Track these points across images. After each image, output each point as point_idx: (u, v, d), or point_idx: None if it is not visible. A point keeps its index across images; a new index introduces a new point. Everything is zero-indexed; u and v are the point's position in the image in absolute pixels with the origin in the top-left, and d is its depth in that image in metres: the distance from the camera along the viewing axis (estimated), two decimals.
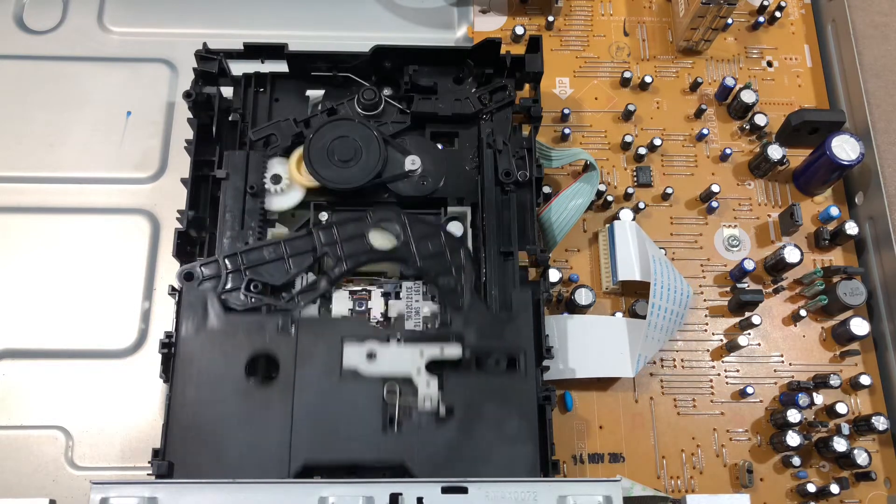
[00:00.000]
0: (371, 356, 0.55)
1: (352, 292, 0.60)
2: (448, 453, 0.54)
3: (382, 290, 0.60)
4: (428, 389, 0.55)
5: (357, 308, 0.59)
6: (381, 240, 0.59)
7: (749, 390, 0.64)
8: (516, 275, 0.60)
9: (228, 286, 0.58)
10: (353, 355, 0.56)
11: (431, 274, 0.59)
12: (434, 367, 0.56)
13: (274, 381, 0.55)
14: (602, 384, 0.65)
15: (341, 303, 0.60)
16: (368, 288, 0.61)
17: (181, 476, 0.53)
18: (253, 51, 0.65)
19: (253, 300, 0.57)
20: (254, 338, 0.56)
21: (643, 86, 0.74)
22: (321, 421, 0.54)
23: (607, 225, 0.68)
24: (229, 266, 0.58)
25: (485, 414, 0.55)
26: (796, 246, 0.66)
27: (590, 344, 0.63)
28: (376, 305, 0.60)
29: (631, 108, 0.72)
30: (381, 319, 0.59)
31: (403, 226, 0.59)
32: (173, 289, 0.59)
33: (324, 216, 0.63)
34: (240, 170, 0.62)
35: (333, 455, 0.54)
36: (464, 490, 0.49)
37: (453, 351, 0.56)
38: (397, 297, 0.60)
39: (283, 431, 0.54)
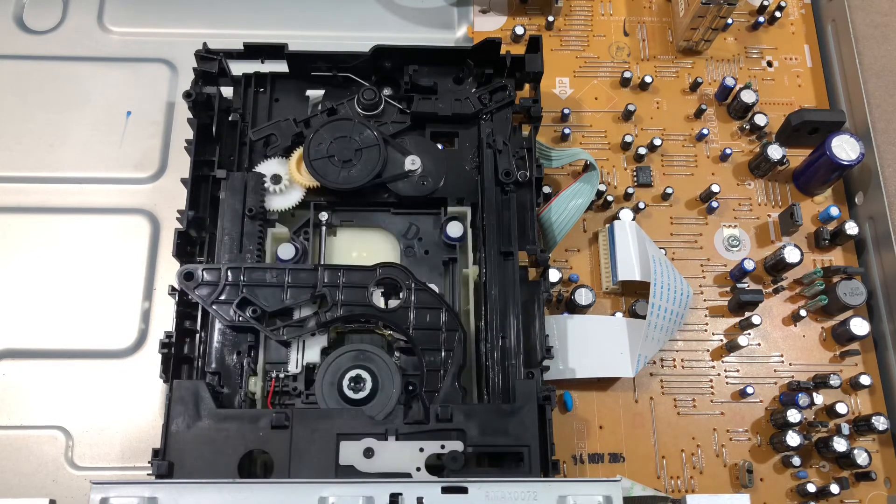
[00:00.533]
0: (368, 453, 0.53)
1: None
2: None
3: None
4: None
5: None
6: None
7: (749, 390, 0.64)
8: (516, 275, 0.60)
9: (223, 297, 0.57)
10: (350, 452, 0.53)
11: (419, 347, 0.57)
12: (434, 467, 0.53)
13: (267, 479, 0.53)
14: (602, 384, 0.65)
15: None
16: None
17: (181, 476, 0.53)
18: (253, 51, 0.65)
19: (240, 319, 0.57)
20: (247, 434, 0.53)
21: (643, 86, 0.74)
22: None
23: (607, 225, 0.68)
24: (230, 278, 0.58)
25: None
26: (796, 246, 0.66)
27: (590, 344, 0.63)
28: (376, 303, 0.59)
29: (631, 108, 0.72)
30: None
31: (409, 288, 0.58)
32: (173, 289, 0.59)
33: (324, 216, 0.63)
34: (238, 192, 0.61)
35: None
36: (464, 490, 0.49)
37: (454, 447, 0.53)
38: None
39: None
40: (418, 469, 0.52)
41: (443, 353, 0.57)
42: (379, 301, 0.58)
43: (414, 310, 0.57)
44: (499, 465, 0.55)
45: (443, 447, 0.53)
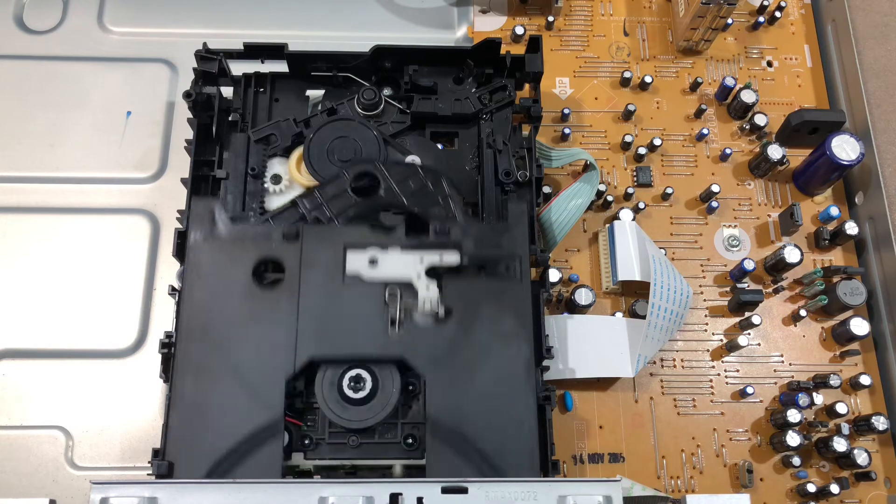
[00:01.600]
0: (373, 262, 0.58)
1: None
2: (447, 350, 0.56)
3: None
4: (427, 293, 0.57)
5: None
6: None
7: (749, 390, 0.64)
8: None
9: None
10: (356, 261, 0.58)
11: (422, 209, 0.60)
12: (433, 272, 0.58)
13: (280, 285, 0.57)
14: (602, 384, 0.65)
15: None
16: None
17: (181, 476, 0.53)
18: (253, 51, 0.65)
19: None
20: (261, 244, 0.58)
21: (643, 86, 0.74)
22: (326, 320, 0.57)
23: (607, 225, 0.68)
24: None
25: (482, 314, 0.57)
26: (796, 246, 0.66)
27: (590, 344, 0.63)
28: None
29: (631, 108, 0.73)
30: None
31: (381, 173, 0.60)
32: (173, 289, 0.59)
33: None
34: (241, 153, 0.62)
35: (337, 351, 0.56)
36: (464, 490, 0.49)
37: (452, 257, 0.58)
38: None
39: (289, 330, 0.56)
40: (419, 276, 0.57)
41: (441, 201, 0.60)
42: (365, 194, 0.60)
43: (396, 183, 0.60)
44: (493, 275, 0.58)
45: (441, 257, 0.58)
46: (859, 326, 0.65)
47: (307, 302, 0.57)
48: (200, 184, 0.63)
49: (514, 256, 0.59)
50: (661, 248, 0.69)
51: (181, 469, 0.53)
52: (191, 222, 0.59)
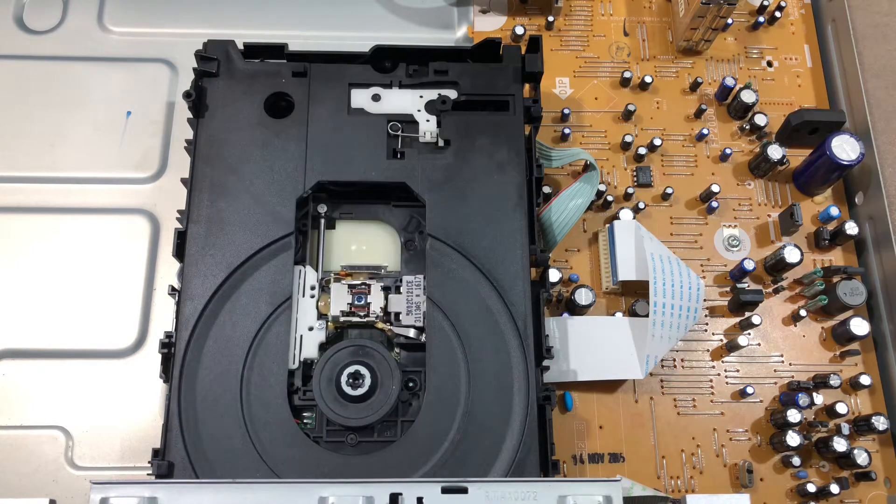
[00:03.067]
0: (376, 98, 0.63)
1: (351, 286, 0.60)
2: (445, 175, 0.61)
3: (382, 283, 0.61)
4: (427, 125, 0.62)
5: (356, 302, 0.60)
6: None
7: (749, 390, 0.64)
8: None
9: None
10: (360, 97, 0.63)
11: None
12: (433, 108, 0.63)
13: (290, 116, 0.62)
14: (602, 384, 0.65)
15: (340, 296, 0.60)
16: (368, 282, 0.61)
17: (181, 476, 0.53)
18: (253, 51, 0.65)
19: None
20: (271, 80, 0.63)
21: (643, 86, 0.74)
22: (333, 149, 0.62)
23: (607, 225, 0.68)
24: None
25: (477, 145, 0.62)
26: (796, 246, 0.66)
27: (597, 346, 0.63)
28: (376, 300, 0.60)
29: (631, 108, 0.73)
30: (381, 314, 0.60)
31: None
32: (173, 289, 0.59)
33: (322, 209, 0.63)
34: None
35: (343, 176, 0.61)
36: (464, 490, 0.49)
37: (449, 93, 0.63)
38: (397, 291, 0.60)
39: (299, 155, 0.61)
40: (419, 110, 0.63)
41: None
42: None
43: None
44: (485, 109, 0.64)
45: (439, 94, 0.63)
46: (859, 326, 0.65)
47: (315, 132, 0.62)
48: None
49: (508, 93, 0.63)
50: None
51: (181, 469, 0.53)
52: (205, 64, 0.63)
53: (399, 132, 0.62)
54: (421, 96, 0.63)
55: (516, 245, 0.59)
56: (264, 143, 0.61)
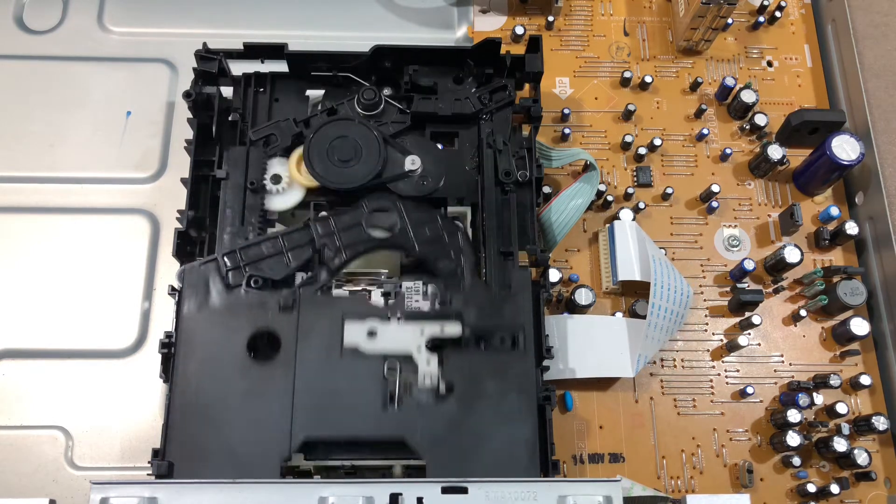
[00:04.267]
0: (372, 334, 0.56)
1: (351, 292, 0.60)
2: (448, 429, 0.55)
3: (382, 289, 0.60)
4: (428, 367, 0.56)
5: None
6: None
7: (749, 390, 0.64)
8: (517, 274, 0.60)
9: (231, 282, 0.58)
10: (354, 333, 0.56)
11: (431, 259, 0.59)
12: (434, 345, 0.56)
13: (275, 358, 0.56)
14: (602, 384, 0.65)
15: None
16: (368, 287, 0.60)
17: (181, 476, 0.53)
18: (253, 51, 0.65)
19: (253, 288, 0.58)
20: (256, 315, 0.57)
21: (643, 86, 0.74)
22: (322, 397, 0.55)
23: (607, 225, 0.68)
24: (229, 263, 0.58)
25: (484, 391, 0.55)
26: (796, 246, 0.66)
27: (590, 344, 0.63)
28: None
29: (631, 108, 0.72)
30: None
31: (400, 213, 0.60)
32: (173, 289, 0.59)
33: (323, 215, 0.63)
34: (240, 166, 0.62)
35: (334, 431, 0.54)
36: (464, 490, 0.49)
37: (453, 329, 0.57)
38: (397, 297, 0.60)
39: (285, 407, 0.54)
40: (419, 349, 0.56)
41: (452, 255, 0.59)
42: (378, 232, 0.60)
43: (412, 228, 0.59)
44: (495, 347, 0.57)
45: (442, 329, 0.56)
46: (859, 326, 0.65)
47: (303, 376, 0.55)
48: (200, 184, 0.63)
49: (517, 327, 0.57)
50: (661, 248, 0.69)
51: (181, 469, 0.53)
52: (184, 289, 0.57)
53: (396, 376, 0.56)
54: (422, 332, 0.56)
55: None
56: (246, 391, 0.55)
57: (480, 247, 0.61)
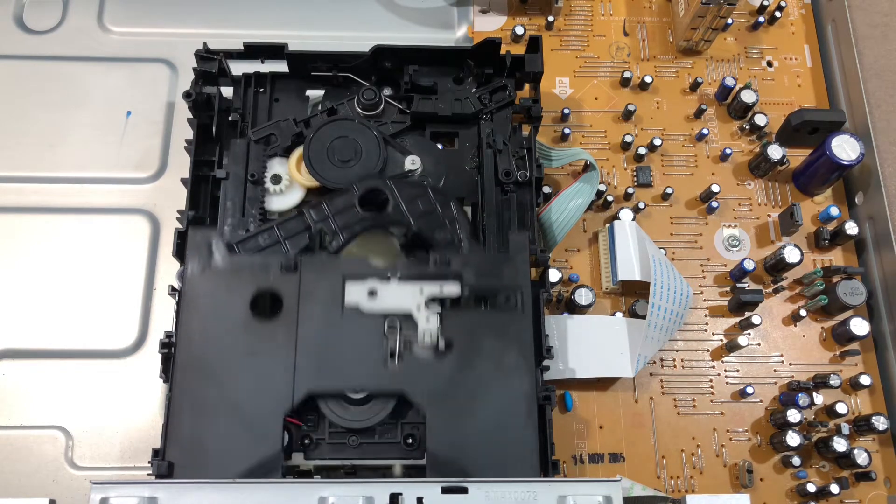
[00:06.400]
0: (372, 293, 0.57)
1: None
2: (447, 384, 0.56)
3: None
4: (427, 325, 0.57)
5: None
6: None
7: (749, 390, 0.64)
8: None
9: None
10: (355, 292, 0.57)
11: (427, 231, 0.59)
12: (433, 303, 0.57)
13: (278, 317, 0.57)
14: (602, 384, 0.65)
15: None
16: None
17: (181, 476, 0.53)
18: (253, 51, 0.65)
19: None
20: (258, 276, 0.58)
21: (643, 86, 0.74)
22: (324, 354, 0.56)
23: (607, 225, 0.68)
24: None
25: (483, 348, 0.56)
26: (796, 246, 0.66)
27: (590, 344, 0.63)
28: None
29: (631, 108, 0.73)
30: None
31: (391, 190, 0.60)
32: (173, 289, 0.59)
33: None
34: (241, 158, 0.62)
35: (336, 384, 0.56)
36: (464, 490, 0.49)
37: (452, 289, 0.57)
38: None
39: (288, 363, 0.55)
40: (419, 308, 0.56)
41: (448, 224, 0.60)
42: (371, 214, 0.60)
43: (404, 203, 0.59)
44: (494, 306, 0.58)
45: (441, 289, 0.57)
46: (859, 326, 0.65)
47: (305, 334, 0.56)
48: (200, 184, 0.63)
49: (516, 287, 0.58)
50: (661, 248, 0.69)
51: (181, 469, 0.53)
52: (188, 253, 0.58)
53: (396, 333, 0.57)
54: (421, 291, 0.57)
55: (526, 465, 0.54)
56: (250, 349, 0.56)
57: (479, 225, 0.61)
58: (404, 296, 0.57)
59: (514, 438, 0.55)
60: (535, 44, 0.66)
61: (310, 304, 0.57)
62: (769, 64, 0.76)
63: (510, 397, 0.55)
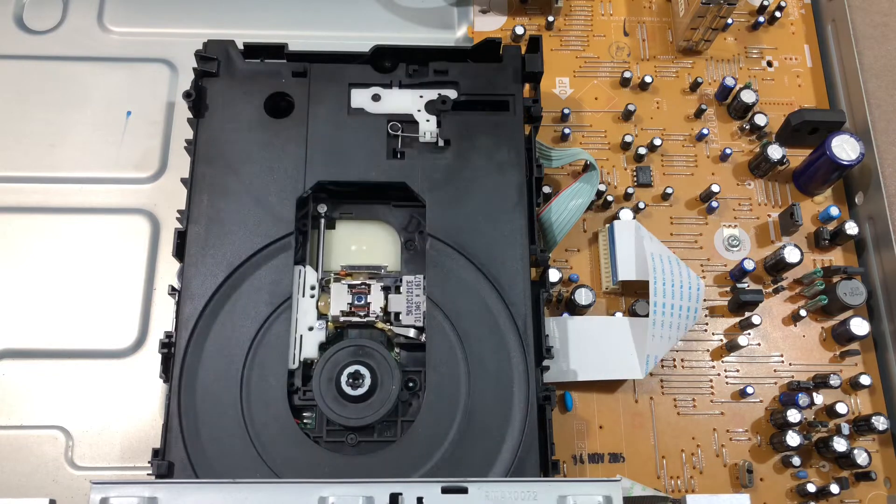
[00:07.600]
0: (376, 98, 0.63)
1: (350, 286, 0.60)
2: (445, 174, 0.61)
3: (382, 283, 0.61)
4: (427, 125, 0.62)
5: (356, 302, 0.60)
6: None
7: (749, 390, 0.64)
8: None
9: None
10: (360, 97, 0.63)
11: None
12: (433, 108, 0.63)
13: (290, 116, 0.62)
14: (602, 384, 0.65)
15: (340, 296, 0.60)
16: (368, 282, 0.61)
17: (181, 476, 0.53)
18: (253, 51, 0.65)
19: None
20: (271, 81, 0.63)
21: (643, 86, 0.74)
22: (333, 149, 0.62)
23: (607, 225, 0.68)
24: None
25: (477, 145, 0.62)
26: (796, 246, 0.66)
27: (597, 346, 0.63)
28: (376, 300, 0.60)
29: (631, 108, 0.73)
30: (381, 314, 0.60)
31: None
32: (173, 289, 0.59)
33: (322, 209, 0.63)
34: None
35: (343, 175, 0.61)
36: (464, 490, 0.49)
37: (449, 93, 0.63)
38: (397, 291, 0.60)
39: (299, 157, 0.61)
40: (419, 110, 0.63)
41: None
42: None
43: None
44: (485, 109, 0.64)
45: (439, 94, 0.63)
46: (859, 326, 0.65)
47: (315, 132, 0.62)
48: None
49: (508, 93, 0.63)
50: None
51: (181, 469, 0.53)
52: (205, 63, 0.63)
53: (399, 132, 0.62)
54: (421, 96, 0.63)
55: (516, 245, 0.59)
56: (264, 143, 0.61)
57: None
58: (406, 100, 0.63)
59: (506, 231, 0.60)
60: (535, 44, 0.66)
61: (319, 106, 0.63)
62: (769, 64, 0.76)
63: (502, 190, 0.61)
